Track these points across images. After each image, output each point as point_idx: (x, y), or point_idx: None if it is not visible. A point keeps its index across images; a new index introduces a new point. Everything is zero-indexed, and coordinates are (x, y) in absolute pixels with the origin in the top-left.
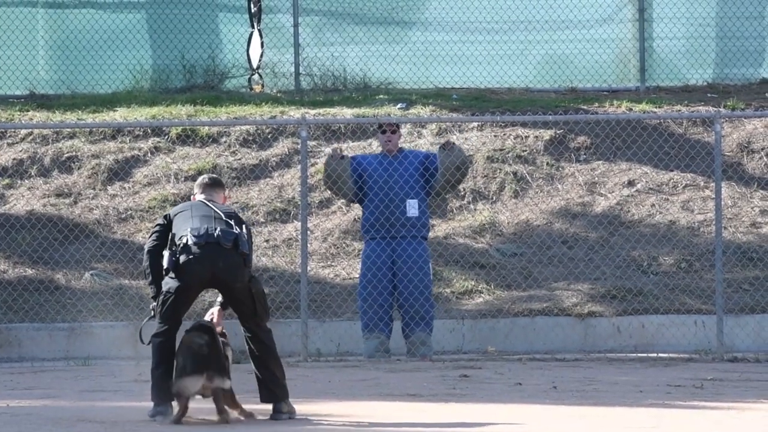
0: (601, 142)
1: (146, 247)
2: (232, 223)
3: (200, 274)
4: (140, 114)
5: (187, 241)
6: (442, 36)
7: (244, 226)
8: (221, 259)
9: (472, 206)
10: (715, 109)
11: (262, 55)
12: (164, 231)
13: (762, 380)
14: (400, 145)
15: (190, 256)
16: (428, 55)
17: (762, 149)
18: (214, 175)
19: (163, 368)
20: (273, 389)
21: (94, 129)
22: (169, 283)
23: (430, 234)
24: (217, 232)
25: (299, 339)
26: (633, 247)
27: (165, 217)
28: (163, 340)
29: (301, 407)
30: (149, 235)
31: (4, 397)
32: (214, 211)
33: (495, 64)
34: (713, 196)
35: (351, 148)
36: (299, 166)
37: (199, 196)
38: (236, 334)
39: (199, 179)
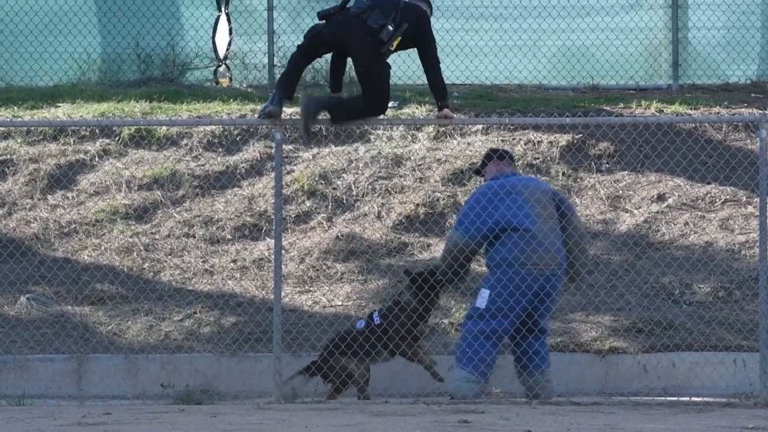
0: (626, 149)
1: None
2: None
3: None
4: (87, 111)
5: None
6: (441, 23)
7: None
8: None
9: None
10: (760, 111)
11: (230, 44)
12: None
13: None
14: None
15: None
16: None
17: None
18: None
19: None
20: None
21: (32, 128)
22: None
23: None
24: None
25: (271, 377)
26: (663, 272)
27: None
28: None
29: None
30: None
31: None
32: None
33: (503, 57)
34: (757, 213)
35: (334, 154)
36: (272, 174)
37: None
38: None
39: None
